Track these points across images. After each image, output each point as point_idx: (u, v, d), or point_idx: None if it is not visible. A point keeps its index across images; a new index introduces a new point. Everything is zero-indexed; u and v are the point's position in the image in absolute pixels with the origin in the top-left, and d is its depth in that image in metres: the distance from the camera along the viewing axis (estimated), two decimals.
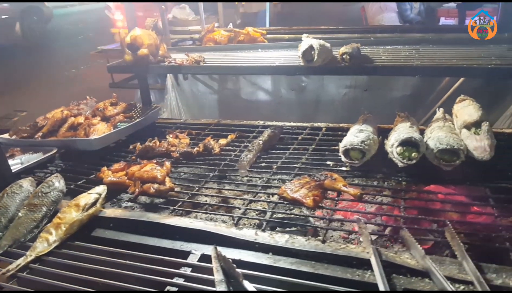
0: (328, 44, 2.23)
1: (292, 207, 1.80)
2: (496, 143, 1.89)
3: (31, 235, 1.71)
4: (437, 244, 1.52)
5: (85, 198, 1.79)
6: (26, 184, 1.95)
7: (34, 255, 1.56)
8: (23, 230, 1.72)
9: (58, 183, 1.91)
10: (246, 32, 4.49)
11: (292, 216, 1.73)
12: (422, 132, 2.09)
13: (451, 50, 2.41)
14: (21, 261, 1.53)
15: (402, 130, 1.96)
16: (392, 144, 1.89)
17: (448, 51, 2.38)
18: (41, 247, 1.60)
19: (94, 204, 1.79)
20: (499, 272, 1.30)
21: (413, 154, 1.83)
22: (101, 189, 1.87)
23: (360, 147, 1.91)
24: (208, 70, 2.50)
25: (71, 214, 1.70)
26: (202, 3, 5.35)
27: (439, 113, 2.26)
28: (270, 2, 6.58)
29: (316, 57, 2.09)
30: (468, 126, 1.91)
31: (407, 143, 1.86)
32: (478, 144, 1.83)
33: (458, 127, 1.98)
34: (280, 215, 1.76)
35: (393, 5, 7.68)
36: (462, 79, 3.66)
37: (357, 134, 1.98)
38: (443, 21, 6.95)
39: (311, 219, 1.73)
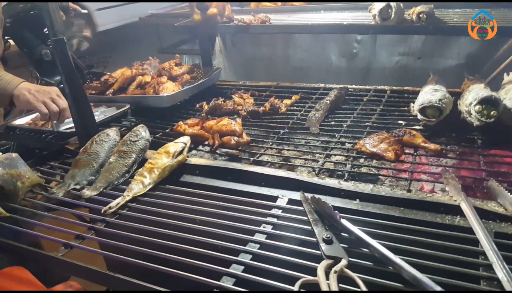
0: (401, 5, 2.23)
1: (371, 161, 1.86)
2: None
3: (123, 179, 1.84)
4: None
5: (174, 146, 1.89)
6: (113, 133, 2.07)
7: (132, 195, 1.67)
8: (116, 174, 1.84)
9: (144, 132, 2.02)
10: None
11: (373, 168, 1.78)
12: None
13: None
14: (120, 200, 1.65)
15: (479, 90, 1.97)
16: (470, 103, 1.90)
17: None
18: (136, 188, 1.71)
19: (181, 152, 1.90)
20: None
21: (491, 112, 1.85)
22: (186, 139, 1.98)
23: (438, 105, 1.93)
24: (276, 29, 2.53)
25: (162, 160, 1.81)
26: None
27: (509, 76, 2.25)
28: None
29: (393, 16, 2.10)
30: None
31: (485, 102, 1.87)
32: None
33: None
34: (361, 168, 1.82)
35: None
36: None
37: (433, 93, 2.00)
38: None
39: (391, 172, 1.78)
